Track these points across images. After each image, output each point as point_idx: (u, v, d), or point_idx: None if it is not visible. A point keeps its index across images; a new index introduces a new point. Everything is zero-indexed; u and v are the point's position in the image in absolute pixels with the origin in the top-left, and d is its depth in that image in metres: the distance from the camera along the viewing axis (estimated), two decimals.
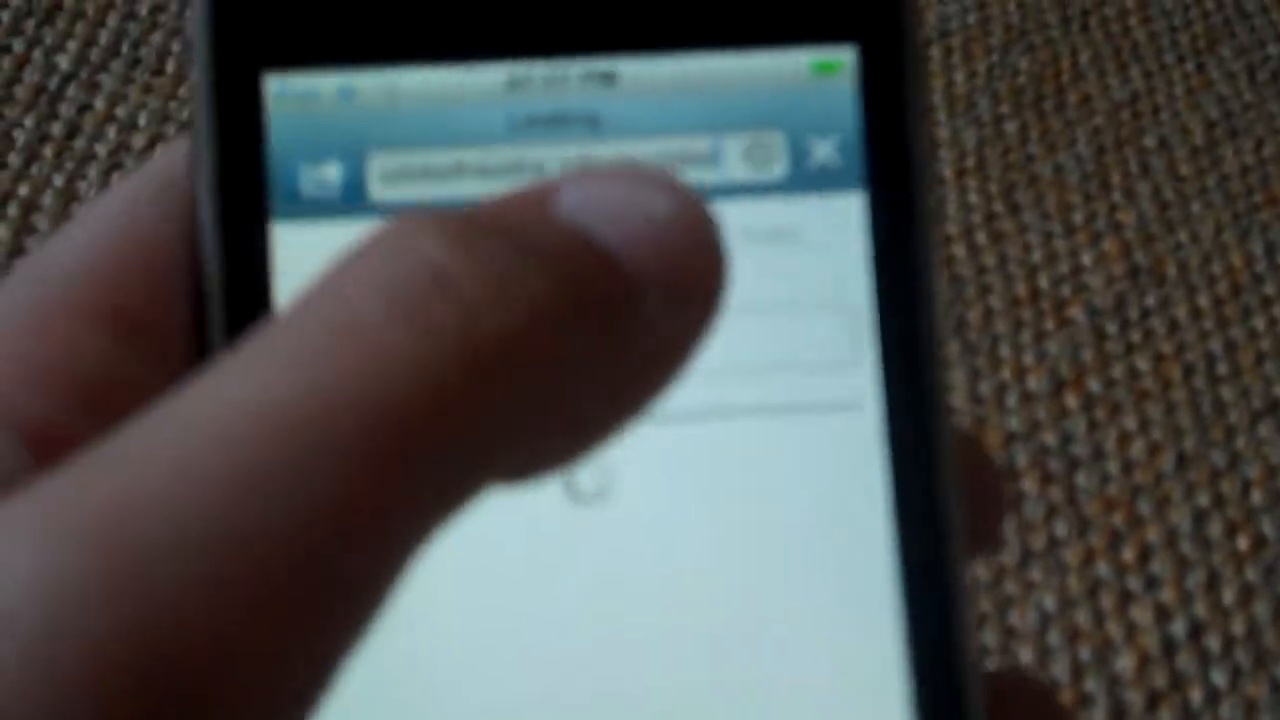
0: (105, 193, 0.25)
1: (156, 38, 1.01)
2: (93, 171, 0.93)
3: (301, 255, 0.25)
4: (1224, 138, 0.99)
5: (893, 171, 0.25)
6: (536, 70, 0.25)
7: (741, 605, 0.24)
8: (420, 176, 0.25)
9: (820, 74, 0.25)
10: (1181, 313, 0.90)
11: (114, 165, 0.94)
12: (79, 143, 0.95)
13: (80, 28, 1.01)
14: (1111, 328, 0.89)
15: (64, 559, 0.16)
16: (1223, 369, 0.87)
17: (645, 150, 0.25)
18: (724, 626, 0.24)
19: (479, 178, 0.25)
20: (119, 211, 0.23)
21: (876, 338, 0.25)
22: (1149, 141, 0.99)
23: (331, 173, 0.25)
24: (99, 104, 0.97)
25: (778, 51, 0.25)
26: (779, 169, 0.25)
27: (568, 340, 0.19)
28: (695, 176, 0.25)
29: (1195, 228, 0.94)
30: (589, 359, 0.19)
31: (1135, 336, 0.89)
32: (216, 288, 0.24)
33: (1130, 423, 0.85)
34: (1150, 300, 0.90)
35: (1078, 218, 0.94)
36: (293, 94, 0.25)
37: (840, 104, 0.25)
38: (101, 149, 0.94)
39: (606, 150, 0.25)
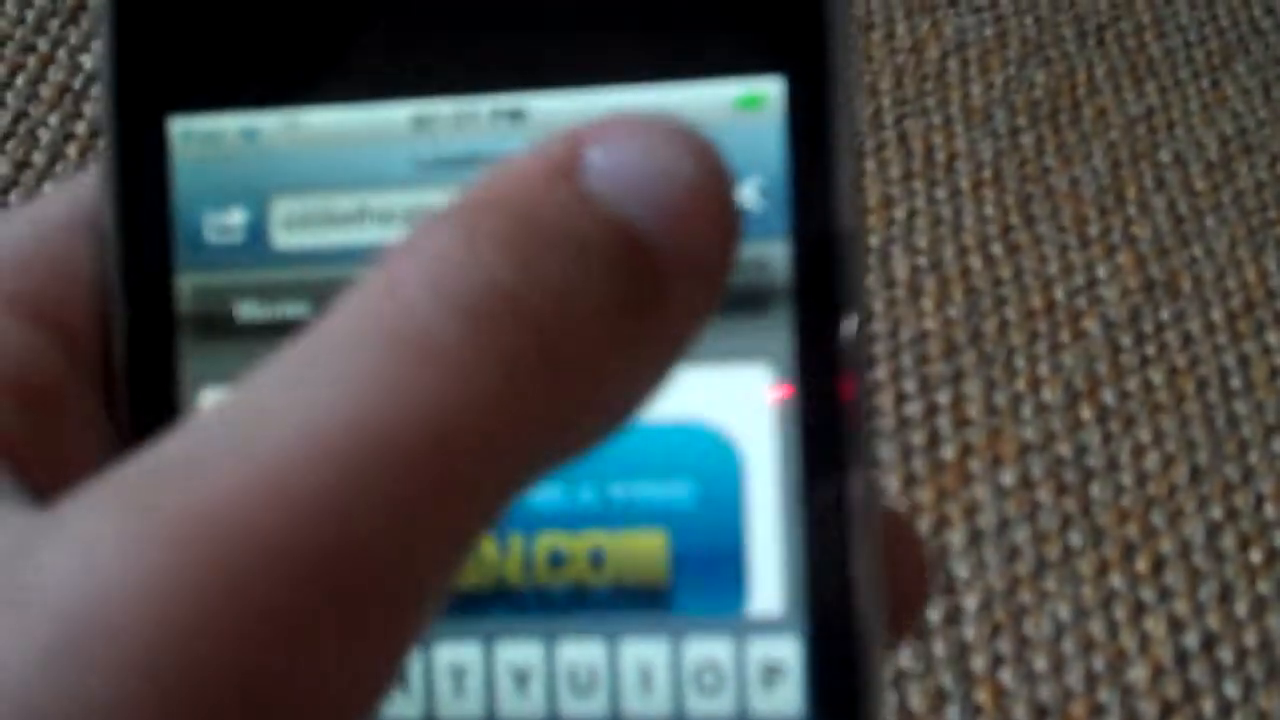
0: (49, 193, 0.25)
1: None
2: None
3: (204, 298, 0.24)
4: (1239, 153, 1.00)
5: (819, 217, 0.23)
6: (443, 108, 0.24)
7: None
8: (324, 221, 0.24)
9: (743, 109, 0.23)
10: (1196, 327, 0.90)
11: None
12: (102, 142, 0.95)
13: None
14: (1126, 341, 0.90)
15: (164, 568, 0.17)
16: (1237, 383, 0.88)
17: None
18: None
19: (383, 222, 0.24)
20: (28, 221, 0.24)
21: (796, 390, 0.23)
22: (1164, 156, 0.99)
23: (235, 217, 0.24)
24: None
25: (697, 85, 0.24)
26: None
27: (621, 343, 0.20)
28: None
29: (1210, 242, 0.95)
30: (630, 350, 0.20)
31: (1150, 350, 0.89)
32: (120, 330, 0.24)
33: (1145, 435, 0.85)
34: (1165, 314, 0.91)
35: (1093, 231, 0.95)
36: (196, 135, 0.24)
37: (764, 142, 0.23)
38: None
39: None
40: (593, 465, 0.24)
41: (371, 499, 0.17)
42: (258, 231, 0.24)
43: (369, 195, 0.24)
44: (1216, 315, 0.91)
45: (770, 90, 0.23)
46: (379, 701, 0.18)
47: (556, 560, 0.24)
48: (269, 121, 0.24)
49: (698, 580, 0.24)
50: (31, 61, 0.99)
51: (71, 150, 0.94)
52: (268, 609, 0.17)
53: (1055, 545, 0.80)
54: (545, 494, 0.24)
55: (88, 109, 0.97)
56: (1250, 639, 0.77)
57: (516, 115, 0.24)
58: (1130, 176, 0.98)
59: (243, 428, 0.18)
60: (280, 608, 0.17)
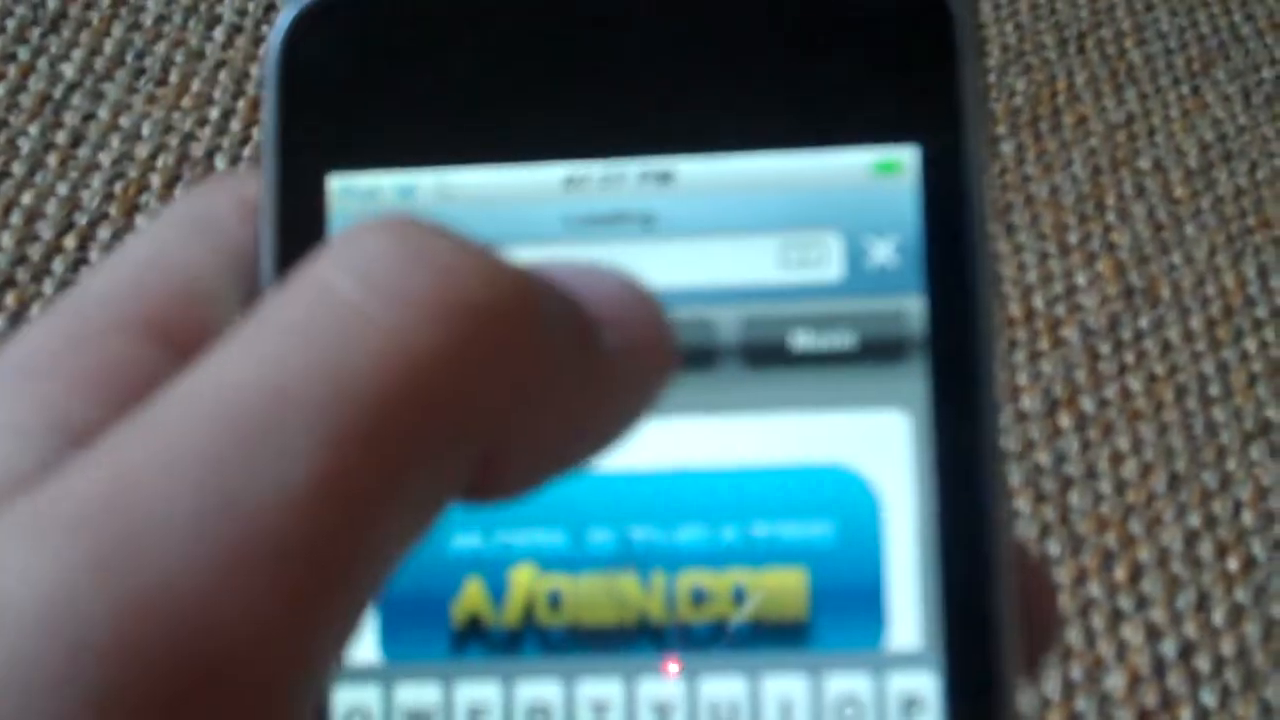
0: (137, 234, 0.25)
1: (160, 48, 1.01)
2: (96, 180, 0.94)
3: None
4: (1219, 160, 1.00)
5: (953, 274, 0.24)
6: (593, 170, 0.25)
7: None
8: None
9: (880, 174, 0.25)
10: (1175, 334, 0.91)
11: (117, 174, 0.94)
12: (83, 151, 0.95)
13: (85, 37, 1.01)
14: (1105, 348, 0.90)
15: (54, 549, 0.17)
16: (1215, 390, 0.88)
17: (701, 248, 0.25)
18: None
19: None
20: (150, 246, 0.24)
21: (932, 442, 0.24)
22: (1144, 163, 1.00)
23: None
24: (103, 113, 0.97)
25: (837, 151, 0.25)
26: (836, 270, 0.25)
27: (538, 332, 0.19)
28: (751, 276, 0.25)
29: (1189, 249, 0.95)
30: (555, 366, 0.20)
31: (1129, 357, 0.89)
32: None
33: (1123, 443, 0.85)
34: (1144, 321, 0.91)
35: (1073, 238, 0.95)
36: (355, 192, 0.25)
37: (900, 205, 0.25)
38: (105, 158, 0.95)
39: (662, 248, 0.25)
40: (734, 506, 0.25)
41: (264, 457, 0.17)
42: None
43: (520, 250, 0.25)
44: (1195, 322, 0.91)
45: (906, 157, 0.25)
46: (316, 668, 0.18)
47: (699, 597, 0.25)
48: (425, 180, 0.25)
49: (837, 616, 0.25)
50: (12, 70, 0.99)
51: (51, 160, 0.94)
52: (158, 574, 0.17)
53: (1033, 553, 0.80)
54: (687, 533, 0.25)
55: (68, 118, 0.97)
56: (1227, 647, 0.78)
57: (664, 177, 0.25)
58: (1110, 184, 0.98)
59: (151, 412, 0.18)
60: (174, 572, 0.17)
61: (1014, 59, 1.06)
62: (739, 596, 0.25)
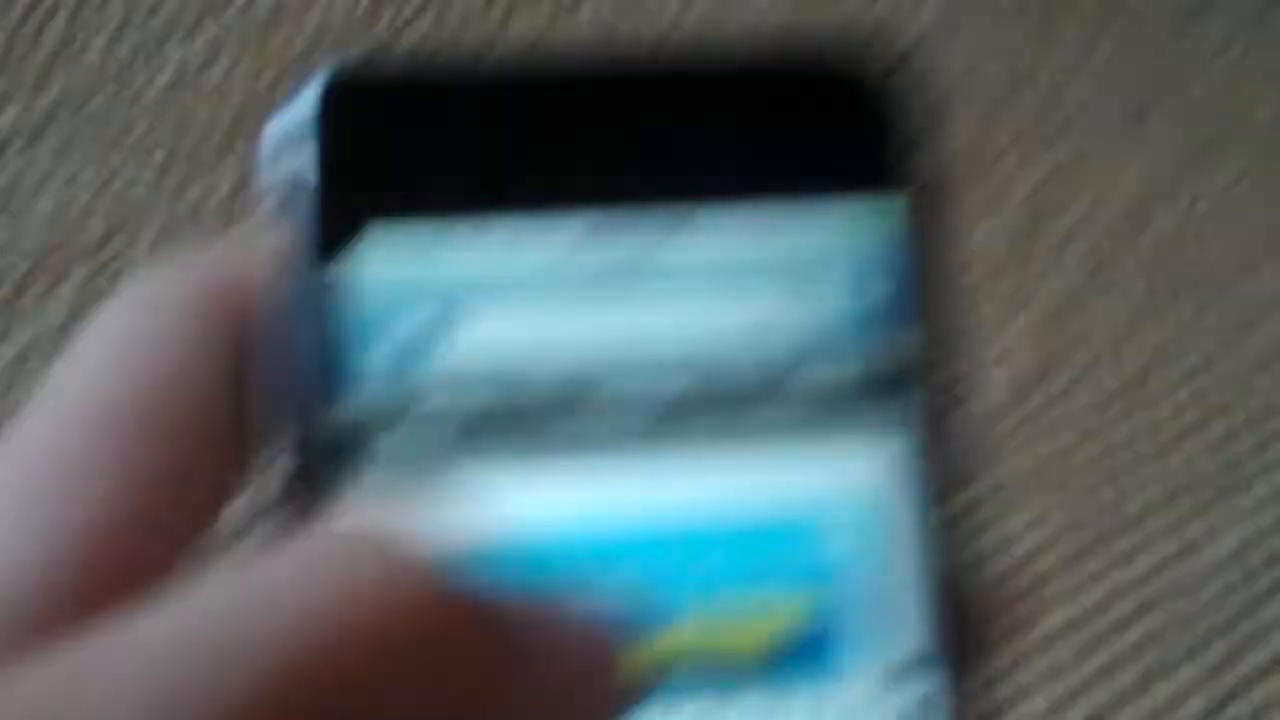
0: (114, 318, 0.26)
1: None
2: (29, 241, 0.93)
3: (391, 390, 0.27)
4: (1153, 204, 0.99)
5: (924, 313, 0.28)
6: (607, 220, 0.28)
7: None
8: (504, 317, 0.27)
9: (874, 220, 0.28)
10: (1097, 391, 0.90)
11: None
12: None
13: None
14: (1031, 402, 0.89)
15: None
16: (1143, 447, 0.87)
17: (713, 288, 0.28)
18: None
19: (560, 316, 0.28)
20: (131, 334, 0.25)
21: (915, 467, 0.27)
22: (1076, 210, 0.99)
23: (419, 317, 0.27)
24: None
25: (835, 200, 0.28)
26: (838, 306, 0.28)
27: (466, 656, 0.21)
28: (762, 312, 0.28)
29: (1114, 301, 0.94)
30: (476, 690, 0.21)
31: (1054, 413, 0.89)
32: (297, 421, 0.26)
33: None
34: (1065, 378, 0.90)
35: (1002, 288, 0.95)
36: (385, 240, 0.27)
37: (891, 247, 0.28)
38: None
39: (678, 292, 0.28)
40: (724, 540, 0.27)
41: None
42: (441, 329, 0.27)
43: (546, 295, 0.27)
44: (1123, 377, 0.90)
45: (883, 207, 0.28)
46: None
47: (709, 633, 0.27)
48: (452, 228, 0.27)
49: (842, 636, 0.27)
50: None
51: None
52: None
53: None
54: (695, 571, 0.27)
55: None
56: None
57: (681, 224, 0.28)
58: (1040, 232, 0.98)
59: (72, 654, 0.19)
60: None
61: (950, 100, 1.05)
62: (749, 623, 0.27)
